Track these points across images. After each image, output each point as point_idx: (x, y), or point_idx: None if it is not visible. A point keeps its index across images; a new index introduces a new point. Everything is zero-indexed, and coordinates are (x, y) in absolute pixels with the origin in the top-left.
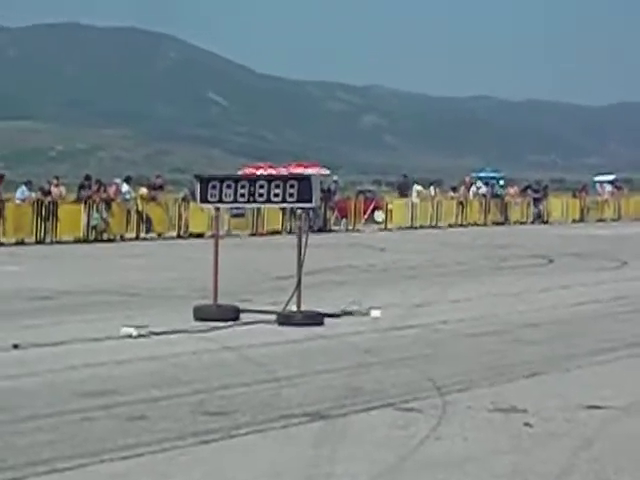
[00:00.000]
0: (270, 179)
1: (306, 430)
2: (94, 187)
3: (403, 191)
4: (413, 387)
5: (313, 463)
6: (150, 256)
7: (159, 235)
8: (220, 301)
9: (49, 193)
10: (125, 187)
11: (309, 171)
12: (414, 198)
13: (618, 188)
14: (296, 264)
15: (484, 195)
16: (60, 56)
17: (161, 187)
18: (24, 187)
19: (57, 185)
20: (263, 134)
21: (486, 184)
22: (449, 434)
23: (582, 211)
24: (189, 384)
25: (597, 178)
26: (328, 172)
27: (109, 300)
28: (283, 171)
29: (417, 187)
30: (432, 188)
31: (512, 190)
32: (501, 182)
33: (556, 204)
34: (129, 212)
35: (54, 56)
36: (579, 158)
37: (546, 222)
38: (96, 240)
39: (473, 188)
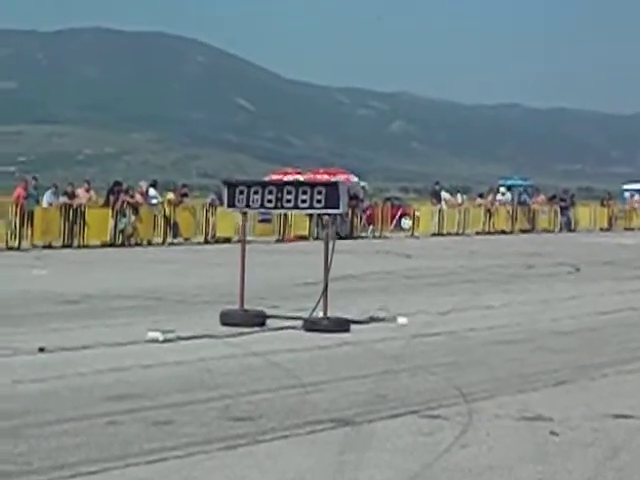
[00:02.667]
0: (298, 185)
1: (332, 436)
2: (121, 191)
3: (435, 198)
4: (439, 394)
5: (338, 469)
6: (177, 261)
7: (186, 240)
8: (247, 306)
9: (74, 195)
10: (152, 192)
11: (337, 178)
12: (444, 206)
13: None
14: (323, 270)
15: (510, 202)
16: (88, 60)
17: (186, 195)
18: (49, 191)
19: (88, 190)
20: (290, 140)
21: (509, 189)
22: (475, 442)
23: (610, 220)
24: (215, 389)
25: (626, 186)
26: (357, 179)
27: (135, 304)
28: (312, 178)
29: (444, 195)
30: (459, 195)
31: (540, 198)
32: (520, 188)
33: (584, 212)
34: (156, 217)
35: (82, 60)
36: (607, 167)
37: (573, 230)
38: (123, 245)
39: (498, 195)
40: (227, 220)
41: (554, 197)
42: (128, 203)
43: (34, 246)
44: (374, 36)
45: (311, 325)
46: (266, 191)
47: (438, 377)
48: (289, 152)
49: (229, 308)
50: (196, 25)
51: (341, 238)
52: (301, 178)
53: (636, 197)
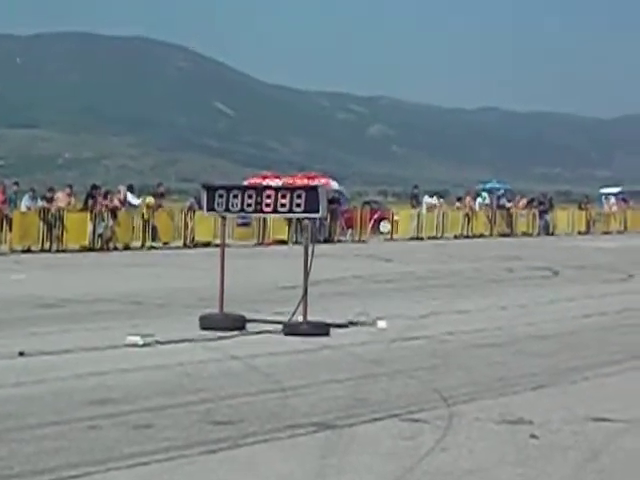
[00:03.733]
0: (277, 189)
1: (312, 440)
2: (99, 196)
3: (415, 201)
4: (419, 398)
5: (320, 473)
6: (156, 265)
7: (165, 244)
8: (226, 310)
9: (52, 200)
10: (129, 196)
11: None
12: (423, 209)
13: (624, 201)
14: (302, 274)
15: (489, 205)
16: (68, 64)
17: (162, 195)
18: (27, 195)
19: (70, 194)
20: (270, 144)
21: (489, 192)
22: (455, 445)
23: (588, 223)
24: (195, 393)
25: (603, 190)
26: (336, 184)
27: (115, 309)
28: (291, 182)
29: (428, 199)
30: (435, 198)
31: (521, 202)
32: (500, 192)
33: (562, 216)
34: (134, 221)
35: (62, 64)
36: (586, 170)
37: (552, 234)
38: (102, 249)
39: (479, 199)
40: (206, 224)
41: (532, 201)
42: (107, 207)
43: (13, 250)
44: (353, 40)
45: (291, 329)
46: (246, 195)
47: (418, 381)
48: (269, 156)
49: (208, 312)
50: (176, 30)
51: (320, 242)
52: (280, 183)
53: (612, 200)
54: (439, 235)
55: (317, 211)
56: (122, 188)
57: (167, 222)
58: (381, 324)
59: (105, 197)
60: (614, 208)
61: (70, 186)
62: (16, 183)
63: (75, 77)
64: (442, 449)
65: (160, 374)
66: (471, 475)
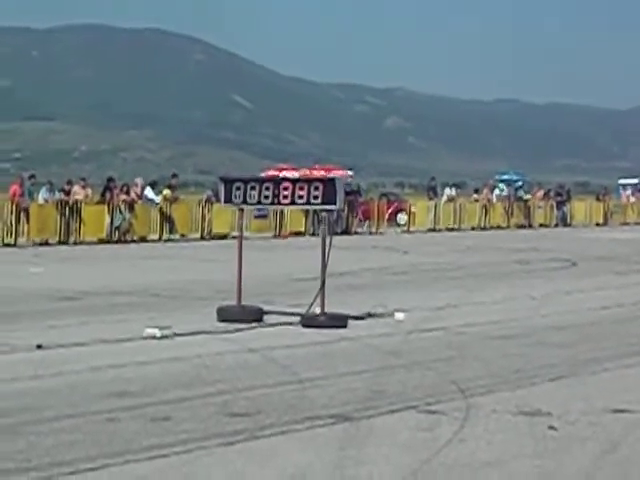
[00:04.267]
0: (295, 181)
1: (330, 432)
2: (116, 189)
3: (432, 193)
4: (437, 390)
5: (338, 465)
6: (173, 257)
7: (182, 236)
8: (244, 302)
9: (69, 193)
10: (150, 192)
11: (333, 174)
12: (442, 201)
13: None
14: (319, 266)
15: (507, 197)
16: (85, 57)
17: (174, 187)
18: (44, 188)
19: (84, 187)
20: (287, 136)
21: (508, 185)
22: (473, 437)
23: (606, 214)
24: (213, 385)
25: (621, 181)
26: (351, 173)
27: (132, 301)
28: (308, 174)
29: (448, 191)
30: (454, 189)
31: (538, 194)
32: (518, 183)
33: (580, 207)
34: (152, 213)
35: (78, 57)
36: (604, 161)
37: (569, 225)
38: (119, 241)
39: (496, 191)
40: (223, 216)
41: (549, 191)
42: (124, 200)
43: (33, 242)
44: (369, 32)
45: (308, 321)
46: (263, 187)
47: (436, 372)
48: (286, 149)
49: (226, 304)
50: (193, 22)
51: (337, 234)
52: (297, 175)
53: (628, 191)
54: (456, 227)
55: (334, 203)
56: (139, 181)
57: (184, 214)
58: (398, 316)
59: (125, 191)
60: (631, 199)
61: (83, 179)
62: (32, 176)
63: (90, 70)
64: (460, 441)
65: (178, 366)
66: (489, 467)
